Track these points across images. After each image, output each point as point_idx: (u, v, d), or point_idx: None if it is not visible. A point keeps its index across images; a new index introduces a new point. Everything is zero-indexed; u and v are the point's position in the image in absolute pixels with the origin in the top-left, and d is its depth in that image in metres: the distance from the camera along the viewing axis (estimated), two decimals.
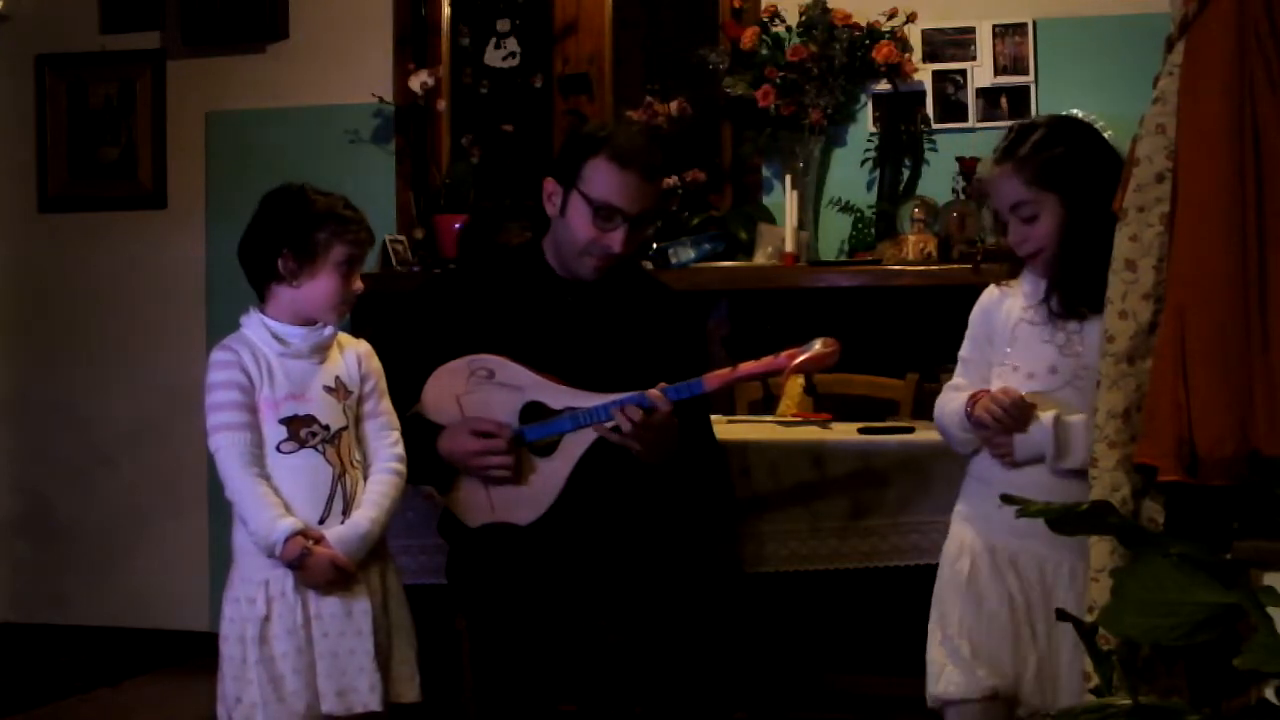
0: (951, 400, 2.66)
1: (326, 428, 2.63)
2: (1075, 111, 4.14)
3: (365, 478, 2.68)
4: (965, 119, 4.37)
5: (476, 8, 4.92)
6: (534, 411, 2.83)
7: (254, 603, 2.57)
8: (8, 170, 5.07)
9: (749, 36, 4.43)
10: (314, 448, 2.62)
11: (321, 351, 2.67)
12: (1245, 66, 2.05)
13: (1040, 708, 2.52)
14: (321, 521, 2.60)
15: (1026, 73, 4.33)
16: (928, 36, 4.40)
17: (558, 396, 2.81)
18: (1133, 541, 1.95)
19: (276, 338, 2.64)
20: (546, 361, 2.84)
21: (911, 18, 4.37)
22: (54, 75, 5.02)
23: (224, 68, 4.90)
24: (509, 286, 2.98)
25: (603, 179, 2.84)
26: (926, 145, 4.40)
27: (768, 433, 3.25)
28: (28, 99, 5.05)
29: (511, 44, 4.90)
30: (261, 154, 4.82)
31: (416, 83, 4.69)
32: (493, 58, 4.92)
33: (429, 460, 2.83)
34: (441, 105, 4.79)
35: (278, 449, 2.60)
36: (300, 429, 2.61)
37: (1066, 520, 1.94)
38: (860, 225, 4.40)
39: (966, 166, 4.24)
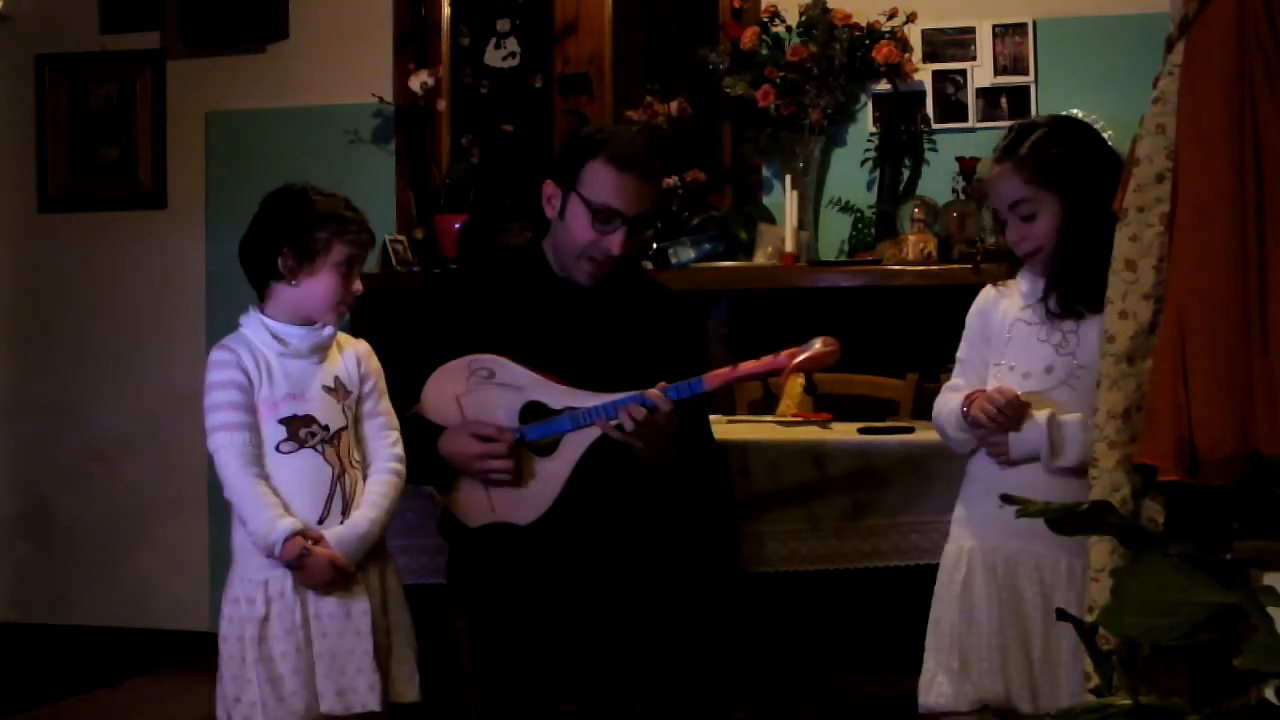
0: (948, 401, 2.67)
1: (326, 428, 2.63)
2: (1075, 111, 4.16)
3: (364, 478, 2.68)
4: (965, 119, 4.37)
5: (476, 8, 4.92)
6: (534, 411, 2.83)
7: (253, 603, 2.57)
8: (8, 170, 5.07)
9: (749, 36, 4.43)
10: (313, 448, 2.62)
11: (321, 351, 2.67)
12: (1245, 66, 2.05)
13: (1037, 712, 2.52)
14: (320, 522, 2.60)
15: (1026, 73, 4.33)
16: (928, 36, 4.40)
17: (557, 396, 2.81)
18: (1133, 541, 1.95)
19: (276, 337, 2.64)
20: (546, 361, 2.84)
21: (911, 18, 4.36)
22: (54, 75, 5.02)
23: (224, 68, 4.90)
24: (509, 287, 2.99)
25: (602, 181, 2.84)
26: (926, 145, 4.40)
27: (768, 433, 3.25)
28: (28, 99, 5.05)
29: (511, 44, 4.90)
30: (261, 154, 4.82)
31: (416, 83, 4.69)
32: (493, 58, 4.92)
33: (429, 461, 2.83)
34: (441, 105, 4.79)
35: (277, 449, 2.60)
36: (299, 429, 2.61)
37: (1066, 520, 1.94)
38: (860, 225, 4.40)
39: (966, 166, 4.24)
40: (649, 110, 4.49)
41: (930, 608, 2.65)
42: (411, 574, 2.97)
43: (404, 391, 2.84)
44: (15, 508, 5.10)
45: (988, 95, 4.37)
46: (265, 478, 2.58)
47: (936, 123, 4.39)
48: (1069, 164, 2.55)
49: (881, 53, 4.33)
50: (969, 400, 2.60)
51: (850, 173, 4.46)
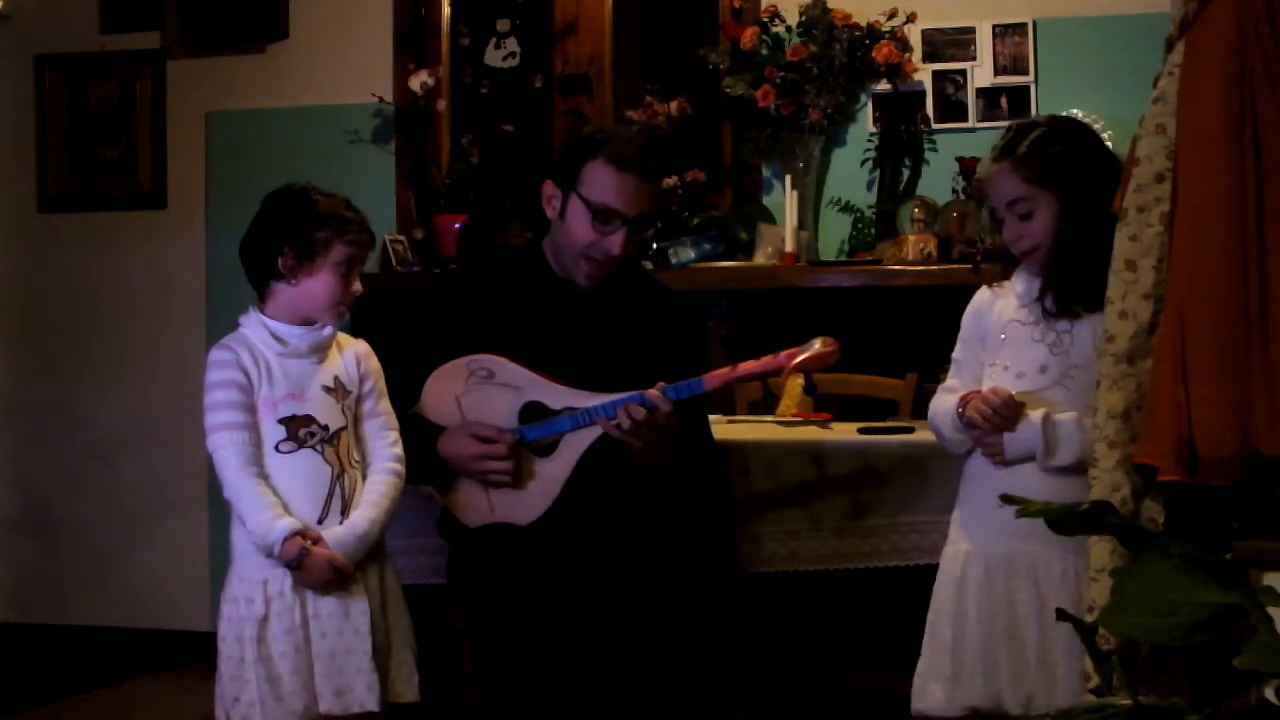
0: (944, 401, 2.68)
1: (325, 428, 2.63)
2: (1075, 112, 4.17)
3: (364, 478, 2.68)
4: (965, 119, 4.37)
5: (476, 8, 4.92)
6: (533, 411, 2.83)
7: (252, 602, 2.57)
8: (8, 170, 5.07)
9: (749, 36, 4.42)
10: (313, 448, 2.62)
11: (320, 351, 2.67)
12: (1245, 66, 2.05)
13: (1029, 715, 2.53)
14: (320, 522, 2.60)
15: (1026, 73, 4.33)
16: (928, 36, 4.40)
17: (557, 396, 2.81)
18: (1133, 541, 1.95)
19: (276, 337, 2.64)
20: (546, 362, 2.84)
21: (911, 18, 4.36)
22: (54, 75, 5.02)
23: (224, 68, 4.90)
24: (509, 287, 2.99)
25: (601, 182, 2.84)
26: (926, 145, 4.40)
27: (767, 433, 3.25)
28: (28, 99, 5.04)
29: (511, 44, 4.90)
30: (261, 154, 4.82)
31: (416, 83, 4.69)
32: (493, 58, 4.92)
33: (429, 461, 2.83)
34: (441, 105, 4.79)
35: (276, 449, 2.60)
36: (299, 429, 2.61)
37: (1066, 520, 1.95)
38: (860, 225, 4.40)
39: (966, 166, 4.24)
40: (649, 110, 4.49)
41: (928, 610, 2.66)
42: (411, 574, 2.97)
43: (404, 392, 2.84)
44: (15, 508, 5.10)
45: (988, 95, 4.36)
46: (265, 477, 2.58)
47: (936, 123, 4.38)
48: (1067, 163, 2.56)
49: (881, 53, 4.33)
50: (964, 401, 2.61)
51: (850, 173, 4.46)
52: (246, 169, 4.76)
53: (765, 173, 4.54)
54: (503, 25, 4.91)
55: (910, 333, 3.98)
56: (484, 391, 2.84)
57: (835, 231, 4.45)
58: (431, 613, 2.93)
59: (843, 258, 4.39)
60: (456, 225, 4.61)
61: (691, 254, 4.36)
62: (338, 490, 2.63)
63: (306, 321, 2.66)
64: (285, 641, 2.56)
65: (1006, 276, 2.69)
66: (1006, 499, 2.01)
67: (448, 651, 3.09)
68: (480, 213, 4.63)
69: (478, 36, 4.92)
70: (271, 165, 4.58)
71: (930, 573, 2.69)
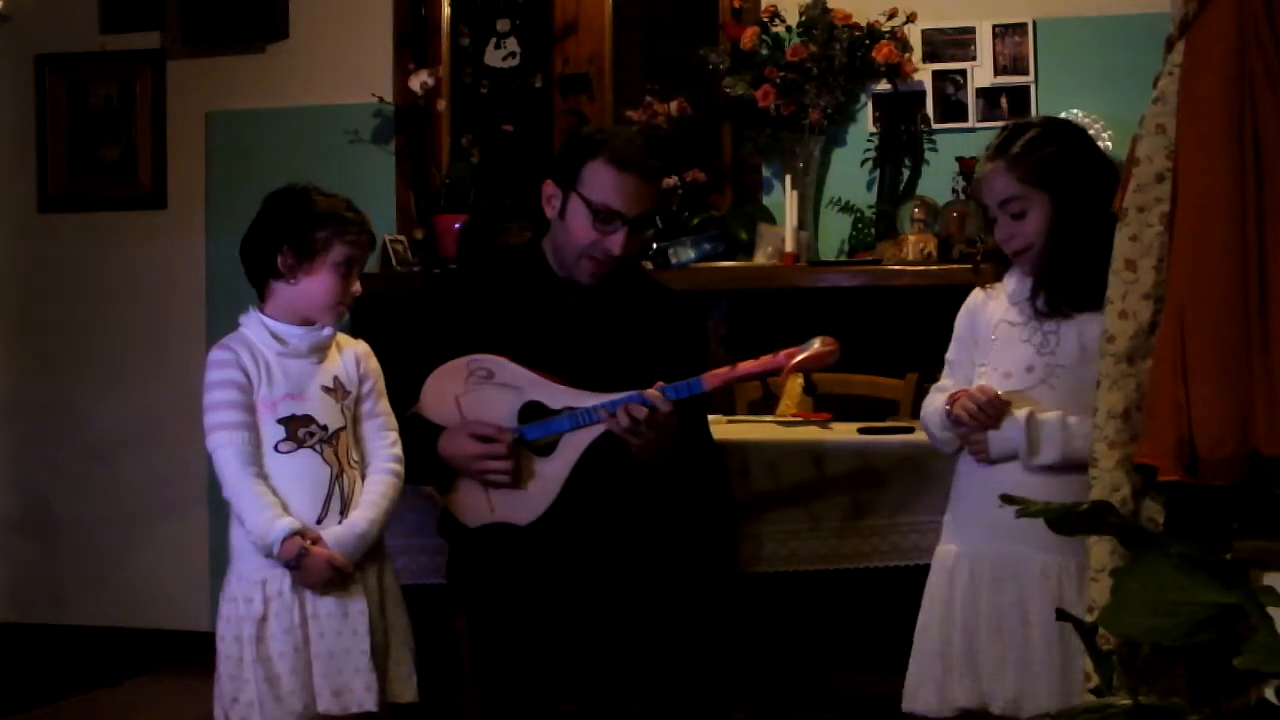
0: (934, 400, 2.71)
1: (324, 428, 2.63)
2: (1075, 112, 4.18)
3: (363, 478, 2.68)
4: (965, 119, 4.37)
5: (476, 8, 4.92)
6: (533, 411, 2.83)
7: (251, 602, 2.57)
8: (8, 170, 5.07)
9: (749, 36, 4.42)
10: (312, 448, 2.62)
11: (320, 351, 2.67)
12: (1245, 66, 2.05)
13: (1019, 717, 2.54)
14: (319, 522, 2.60)
15: (1026, 73, 4.33)
16: (928, 36, 4.40)
17: (557, 396, 2.81)
18: (1133, 541, 1.95)
19: (275, 337, 2.64)
20: (546, 361, 2.84)
21: (911, 18, 4.36)
22: (54, 75, 5.02)
23: (224, 68, 4.90)
24: (509, 287, 2.99)
25: (601, 182, 2.84)
26: (926, 145, 4.40)
27: (767, 433, 3.25)
28: (28, 99, 5.04)
29: (511, 44, 4.90)
30: (261, 154, 4.82)
31: (416, 83, 4.69)
32: (493, 58, 4.92)
33: (429, 461, 2.83)
34: (441, 105, 4.79)
35: (275, 449, 2.60)
36: (298, 429, 2.61)
37: (1066, 520, 1.95)
38: (860, 225, 4.40)
39: (966, 166, 4.23)
40: (649, 110, 4.49)
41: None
42: (411, 574, 2.97)
43: (403, 391, 2.84)
44: (15, 508, 5.10)
45: (988, 95, 4.36)
46: (264, 477, 2.58)
47: (936, 123, 4.38)
48: (1061, 164, 2.57)
49: (881, 53, 4.33)
50: (952, 400, 2.62)
51: (850, 173, 4.46)
52: (246, 169, 4.76)
53: (765, 173, 4.54)
54: (503, 25, 4.91)
55: (910, 333, 3.98)
56: (484, 391, 2.84)
57: (835, 231, 4.45)
58: (431, 613, 2.93)
59: (843, 258, 4.39)
60: (456, 225, 4.61)
61: (691, 254, 4.36)
62: (337, 490, 2.63)
63: (306, 321, 2.66)
64: (284, 641, 2.56)
65: (999, 277, 2.70)
66: (1006, 499, 2.02)
67: (448, 651, 3.09)
68: (480, 213, 4.63)
69: (478, 36, 4.92)
70: (271, 165, 4.58)
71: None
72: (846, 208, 4.41)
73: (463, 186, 4.74)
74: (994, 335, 2.65)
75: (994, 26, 4.35)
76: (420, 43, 4.83)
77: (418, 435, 2.81)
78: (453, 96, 4.89)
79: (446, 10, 4.90)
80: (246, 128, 4.89)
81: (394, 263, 4.60)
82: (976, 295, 2.74)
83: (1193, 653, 1.97)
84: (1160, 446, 2.04)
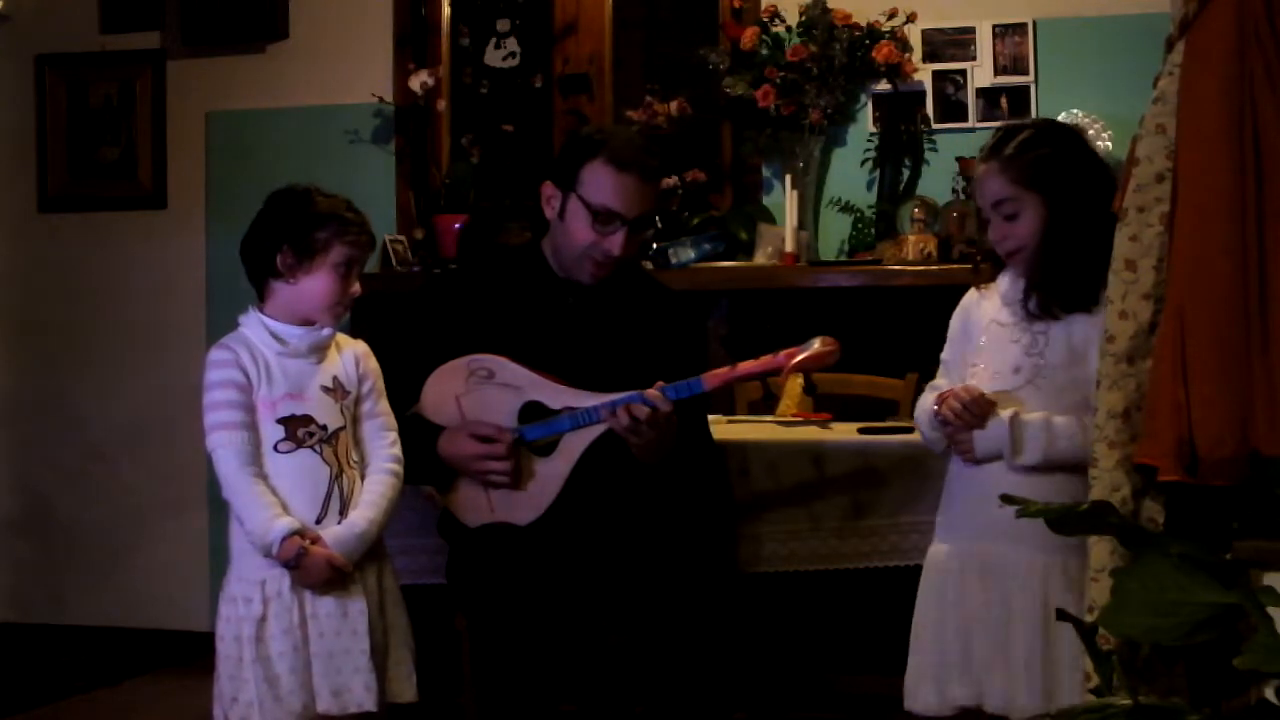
0: (926, 399, 2.72)
1: (324, 428, 2.63)
2: (1075, 112, 4.17)
3: (362, 478, 2.68)
4: (965, 119, 4.37)
5: (476, 8, 4.92)
6: (533, 411, 2.83)
7: (250, 602, 2.57)
8: (8, 170, 5.07)
9: (749, 36, 4.42)
10: (311, 448, 2.62)
11: (319, 351, 2.67)
12: (1245, 66, 2.05)
13: (1011, 715, 2.54)
14: (318, 522, 2.60)
15: (1026, 73, 4.33)
16: (928, 36, 4.40)
17: (557, 396, 2.81)
18: (1133, 541, 1.95)
19: (275, 337, 2.64)
20: (546, 361, 2.84)
21: (911, 18, 4.36)
22: (54, 75, 5.02)
23: (224, 68, 4.90)
24: (509, 287, 2.99)
25: (600, 183, 2.84)
26: (926, 145, 4.40)
27: (767, 433, 3.25)
28: (28, 99, 5.04)
29: (511, 44, 4.90)
30: (261, 154, 4.82)
31: (416, 83, 4.69)
32: (493, 58, 4.92)
33: (429, 461, 2.83)
34: (441, 105, 4.79)
35: (275, 449, 2.60)
36: (298, 429, 2.61)
37: (1066, 520, 1.95)
38: (860, 225, 4.40)
39: (966, 166, 4.23)
40: (649, 110, 4.49)
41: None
42: (411, 574, 2.96)
43: (404, 391, 2.84)
44: (15, 508, 5.10)
45: (988, 95, 4.36)
46: (263, 477, 2.58)
47: (936, 123, 4.38)
48: (1054, 166, 2.58)
49: (881, 53, 4.33)
50: (941, 399, 2.63)
51: (850, 173, 4.46)
52: (246, 169, 4.76)
53: (765, 173, 4.54)
54: (503, 25, 4.90)
55: (910, 333, 3.97)
56: (484, 391, 2.84)
57: (835, 231, 4.45)
58: (431, 613, 2.93)
59: (843, 258, 4.39)
60: (456, 225, 4.61)
61: (691, 254, 4.36)
62: (336, 490, 2.63)
63: (305, 322, 2.66)
64: (283, 641, 2.56)
65: (992, 278, 2.71)
66: (1006, 499, 2.02)
67: (448, 651, 3.09)
68: (480, 213, 4.63)
69: (478, 36, 4.92)
70: (271, 165, 4.59)
71: None
72: (846, 208, 4.41)
73: (463, 186, 4.74)
74: (984, 335, 2.67)
75: (994, 26, 4.35)
76: (420, 43, 4.83)
77: (418, 435, 2.81)
78: (453, 96, 4.89)
79: (446, 10, 4.90)
80: (246, 128, 4.89)
81: (394, 263, 4.60)
82: (971, 295, 2.75)
83: (1193, 653, 1.97)
84: (1160, 446, 2.04)
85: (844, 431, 3.20)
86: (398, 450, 2.73)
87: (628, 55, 4.83)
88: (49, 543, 5.05)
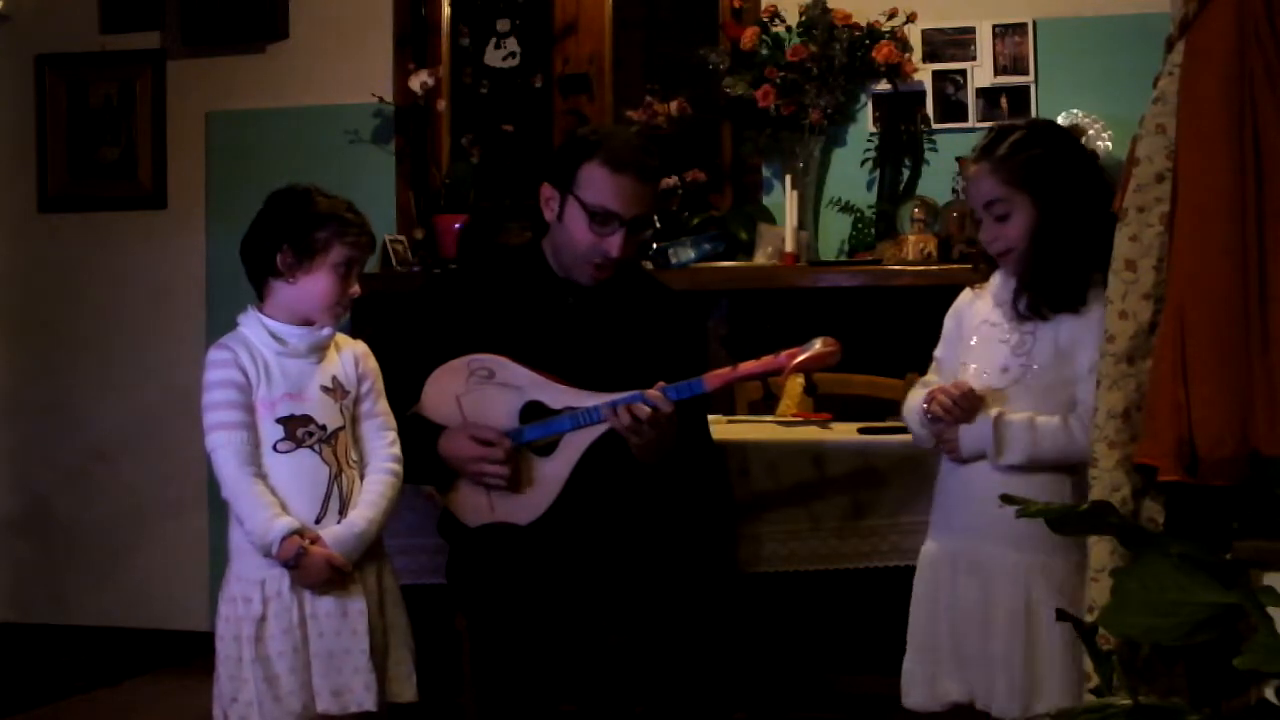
0: (915, 395, 2.72)
1: (323, 427, 2.63)
2: (1075, 112, 4.17)
3: (362, 478, 2.68)
4: (965, 119, 4.37)
5: (476, 8, 4.92)
6: (534, 411, 2.83)
7: (250, 602, 2.57)
8: (8, 170, 5.07)
9: (749, 36, 4.42)
10: (310, 447, 2.62)
11: (319, 351, 2.67)
12: (1245, 66, 2.05)
13: (1003, 713, 2.54)
14: (318, 521, 2.60)
15: (1026, 73, 4.33)
16: (928, 36, 4.40)
17: (557, 396, 2.81)
18: (1133, 541, 1.95)
19: (274, 337, 2.65)
20: (546, 361, 2.84)
21: (911, 18, 4.36)
22: (54, 75, 5.02)
23: (224, 68, 4.90)
24: (509, 287, 2.98)
25: (598, 184, 2.84)
26: (926, 145, 4.40)
27: (767, 433, 3.25)
28: (28, 99, 5.04)
29: (511, 44, 4.90)
30: (261, 154, 4.82)
31: (416, 83, 4.69)
32: (493, 58, 4.92)
33: (429, 461, 2.83)
34: (441, 105, 4.79)
35: (274, 448, 2.60)
36: (297, 429, 2.61)
37: (1067, 520, 1.95)
38: (860, 225, 4.40)
39: (966, 167, 4.22)
40: (649, 110, 4.49)
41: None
42: (411, 574, 2.96)
43: (404, 391, 2.84)
44: (15, 508, 5.10)
45: (988, 95, 4.36)
46: (263, 477, 2.59)
47: (936, 123, 4.38)
48: (1045, 166, 2.58)
49: (881, 53, 4.33)
50: (930, 396, 2.63)
51: (850, 173, 4.46)
52: (246, 169, 4.76)
53: (765, 173, 4.54)
54: (503, 25, 4.90)
55: (910, 333, 3.96)
56: (484, 391, 2.84)
57: (835, 231, 4.45)
58: (431, 613, 2.93)
59: (843, 258, 4.39)
60: (456, 225, 4.61)
61: (691, 254, 4.36)
62: (335, 490, 2.63)
63: (304, 322, 2.66)
64: (283, 641, 2.56)
65: (986, 278, 2.71)
66: (1006, 499, 2.02)
67: (448, 651, 3.09)
68: (480, 213, 4.63)
69: (478, 36, 4.92)
70: (271, 165, 4.58)
71: None
72: (846, 208, 4.41)
73: (463, 186, 4.73)
74: (975, 335, 2.67)
75: (994, 26, 4.35)
76: (420, 43, 4.83)
77: (418, 435, 2.81)
78: (453, 96, 4.89)
79: (446, 10, 4.90)
80: (246, 128, 4.89)
81: (394, 263, 4.60)
82: (965, 295, 2.76)
83: (1193, 653, 1.97)
84: (1160, 446, 2.04)
85: (844, 431, 3.20)
86: (397, 450, 2.73)
87: (628, 55, 4.83)
88: (49, 543, 5.05)
